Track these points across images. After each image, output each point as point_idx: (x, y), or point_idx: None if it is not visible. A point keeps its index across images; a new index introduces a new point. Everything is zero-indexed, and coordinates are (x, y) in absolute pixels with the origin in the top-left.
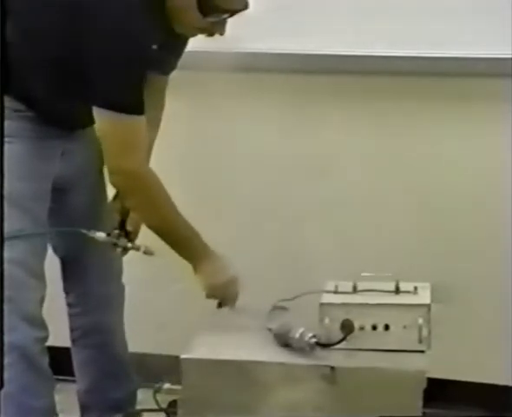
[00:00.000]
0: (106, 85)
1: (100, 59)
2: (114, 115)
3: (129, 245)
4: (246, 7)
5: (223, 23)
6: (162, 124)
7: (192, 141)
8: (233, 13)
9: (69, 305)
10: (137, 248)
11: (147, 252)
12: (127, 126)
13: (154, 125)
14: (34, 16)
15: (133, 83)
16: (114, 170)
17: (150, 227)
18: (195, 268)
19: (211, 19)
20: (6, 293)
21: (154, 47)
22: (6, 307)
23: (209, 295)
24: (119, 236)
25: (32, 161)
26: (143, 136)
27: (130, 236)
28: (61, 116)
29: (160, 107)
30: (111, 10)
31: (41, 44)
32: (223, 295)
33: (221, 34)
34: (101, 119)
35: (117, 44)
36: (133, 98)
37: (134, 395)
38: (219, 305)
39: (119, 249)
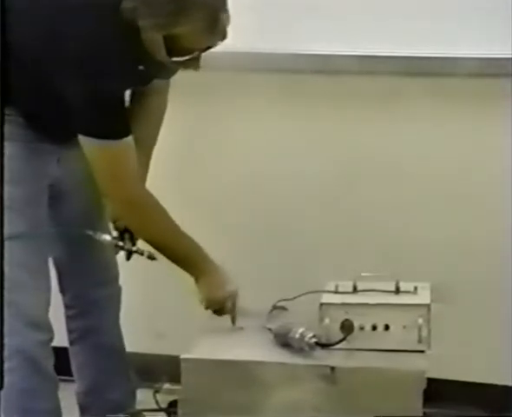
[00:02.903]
0: (86, 113)
1: (76, 87)
2: (99, 143)
3: (134, 248)
4: (217, 42)
5: (196, 59)
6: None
7: (191, 141)
8: (202, 51)
9: (66, 307)
10: (141, 253)
11: (151, 257)
12: (113, 152)
13: (156, 127)
14: (18, 30)
15: (114, 109)
16: (107, 196)
17: (148, 243)
18: (195, 280)
19: (176, 59)
20: (7, 296)
21: (141, 67)
22: (7, 311)
23: (207, 308)
24: (124, 239)
25: (24, 163)
26: (132, 158)
27: (135, 239)
28: (53, 128)
29: (162, 108)
30: (82, 37)
31: (24, 64)
32: (220, 309)
33: (195, 69)
34: (87, 147)
35: (91, 71)
36: (116, 123)
37: (133, 395)
38: (217, 312)
39: (123, 253)
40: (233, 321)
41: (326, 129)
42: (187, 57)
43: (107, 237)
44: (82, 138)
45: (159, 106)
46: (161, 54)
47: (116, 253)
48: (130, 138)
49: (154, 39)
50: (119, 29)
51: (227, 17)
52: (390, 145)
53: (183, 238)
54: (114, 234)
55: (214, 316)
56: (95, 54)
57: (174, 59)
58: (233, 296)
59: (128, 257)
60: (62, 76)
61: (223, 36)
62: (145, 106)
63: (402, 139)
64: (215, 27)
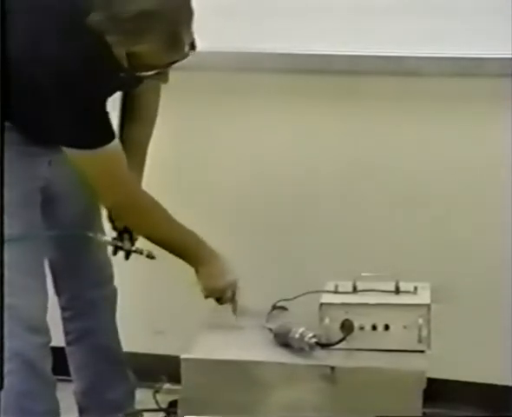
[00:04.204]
0: (67, 125)
1: (54, 98)
2: (83, 153)
3: (133, 248)
4: (186, 55)
5: (164, 73)
6: (161, 124)
7: (189, 141)
8: (165, 67)
9: (62, 309)
10: (140, 252)
11: (150, 256)
12: (99, 159)
13: (149, 125)
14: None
15: (94, 117)
16: (102, 200)
17: (147, 239)
18: (196, 270)
19: (140, 74)
20: (5, 299)
21: (122, 74)
22: (6, 314)
23: (206, 297)
24: (123, 239)
25: (15, 166)
26: (122, 160)
27: (134, 239)
28: (41, 133)
29: (154, 106)
30: (59, 49)
31: (12, 69)
32: (220, 298)
33: (164, 83)
34: (73, 158)
35: (69, 83)
36: (98, 131)
37: (131, 395)
38: (218, 301)
39: (122, 253)
40: (234, 310)
41: (326, 129)
42: (150, 73)
43: (107, 238)
44: (66, 150)
45: (151, 104)
46: (127, 68)
47: (115, 253)
48: (116, 141)
49: (119, 53)
50: (97, 39)
51: (191, 32)
52: (390, 145)
53: (181, 230)
54: (113, 234)
55: (214, 315)
56: (73, 61)
57: (138, 74)
58: (233, 286)
59: (127, 257)
60: (41, 81)
61: (191, 48)
62: (137, 105)
63: (402, 139)
64: (175, 45)
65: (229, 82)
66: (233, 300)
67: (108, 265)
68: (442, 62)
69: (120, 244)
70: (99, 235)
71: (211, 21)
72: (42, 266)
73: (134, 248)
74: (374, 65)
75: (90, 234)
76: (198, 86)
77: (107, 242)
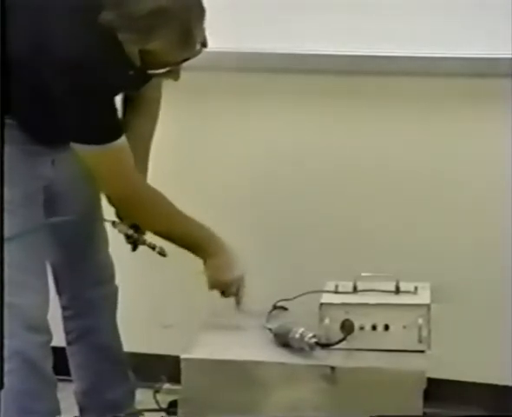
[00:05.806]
0: (77, 121)
1: (64, 95)
2: (92, 148)
3: (147, 242)
4: (198, 53)
5: (175, 70)
6: (163, 124)
7: (190, 141)
8: (177, 64)
9: (63, 308)
10: (153, 247)
11: (161, 253)
12: (108, 155)
13: (152, 121)
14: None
15: (104, 113)
16: (109, 196)
17: (156, 234)
18: (204, 261)
19: (152, 72)
20: (5, 298)
21: (131, 72)
22: (6, 313)
23: (211, 288)
24: (138, 233)
25: (17, 165)
26: (129, 156)
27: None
28: (46, 132)
29: (157, 101)
30: (69, 45)
31: (15, 66)
32: (224, 291)
33: (175, 80)
34: (81, 153)
35: (79, 79)
36: (107, 127)
37: (131, 395)
38: (223, 294)
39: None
40: (238, 303)
41: (327, 128)
42: (162, 70)
43: (130, 230)
44: (74, 145)
45: (153, 101)
46: (139, 65)
47: (135, 249)
48: (123, 137)
49: (131, 51)
50: (106, 36)
51: (203, 29)
52: (390, 145)
53: (189, 222)
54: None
55: (216, 314)
56: (83, 57)
57: (150, 71)
58: (239, 280)
59: (134, 248)
60: (51, 78)
61: (203, 45)
62: (140, 101)
63: (401, 139)
64: (188, 42)
65: (230, 82)
66: (237, 294)
67: (110, 264)
68: (442, 62)
69: (136, 236)
70: (119, 226)
71: (211, 21)
72: (43, 265)
73: (148, 242)
74: (374, 65)
75: (113, 223)
76: (198, 86)
77: (124, 234)
